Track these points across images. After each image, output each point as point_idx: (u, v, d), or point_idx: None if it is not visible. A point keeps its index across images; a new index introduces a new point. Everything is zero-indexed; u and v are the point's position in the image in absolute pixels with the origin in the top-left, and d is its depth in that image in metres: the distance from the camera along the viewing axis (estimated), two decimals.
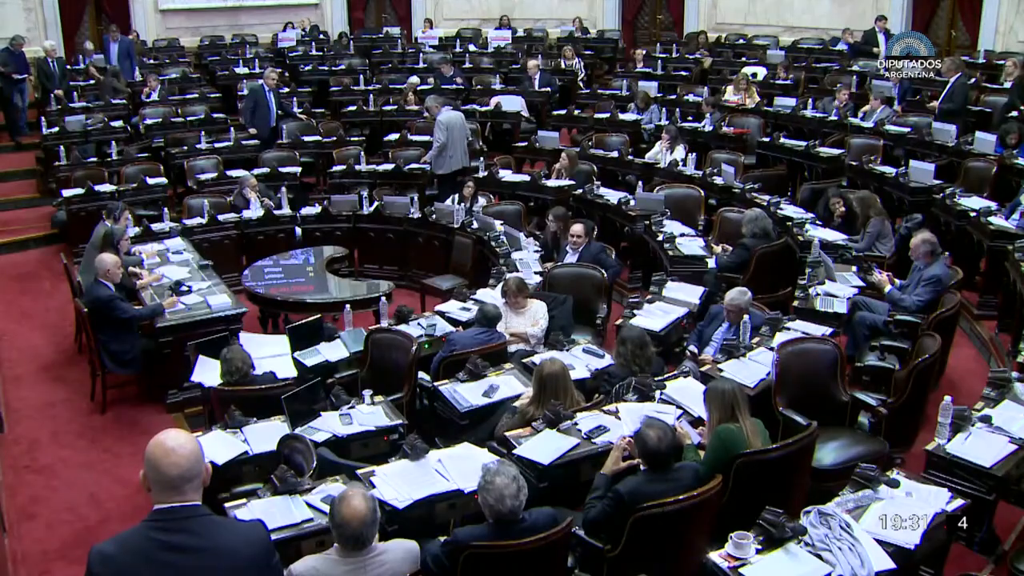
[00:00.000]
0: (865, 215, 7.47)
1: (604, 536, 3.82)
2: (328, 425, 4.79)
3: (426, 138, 10.18)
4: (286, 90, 12.27)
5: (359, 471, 4.25)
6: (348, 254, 8.51)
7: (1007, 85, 10.62)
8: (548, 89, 12.60)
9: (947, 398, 4.51)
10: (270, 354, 5.82)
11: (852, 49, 13.31)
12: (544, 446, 4.41)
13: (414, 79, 12.77)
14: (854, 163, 9.00)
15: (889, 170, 8.65)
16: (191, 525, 2.42)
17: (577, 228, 7.30)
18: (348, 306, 6.49)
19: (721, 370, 5.24)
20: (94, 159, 10.27)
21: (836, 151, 9.44)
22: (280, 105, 11.07)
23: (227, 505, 4.04)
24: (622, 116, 11.21)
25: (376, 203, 8.86)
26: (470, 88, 12.92)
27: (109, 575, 2.40)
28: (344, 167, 9.97)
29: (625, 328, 5.62)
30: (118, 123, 11.24)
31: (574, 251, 7.24)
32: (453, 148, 9.53)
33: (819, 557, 3.50)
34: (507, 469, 3.55)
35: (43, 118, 10.99)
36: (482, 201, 9.08)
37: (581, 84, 13.50)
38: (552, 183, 9.17)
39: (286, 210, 8.82)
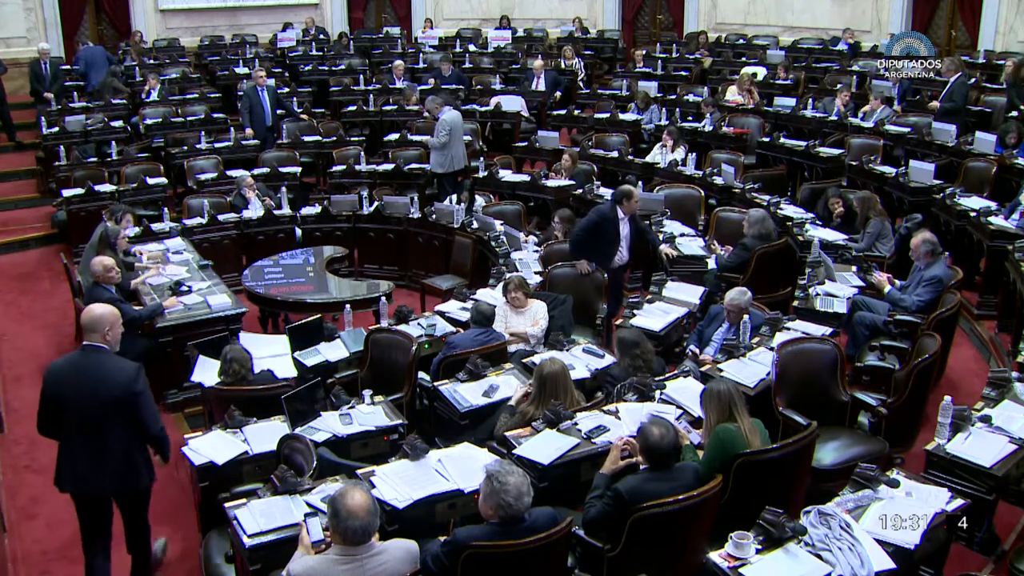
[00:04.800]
0: (865, 215, 7.47)
1: (604, 536, 3.82)
2: (328, 425, 4.79)
3: (426, 138, 10.17)
4: (286, 90, 12.27)
5: (359, 471, 4.25)
6: (348, 254, 8.50)
7: (1005, 85, 10.62)
8: (552, 89, 12.61)
9: (947, 398, 4.51)
10: (270, 354, 5.81)
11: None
12: (544, 446, 4.41)
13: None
14: (854, 163, 9.00)
15: (889, 170, 8.65)
16: (92, 353, 4.24)
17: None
18: (348, 306, 6.49)
19: (721, 370, 5.24)
20: (94, 159, 10.25)
21: (836, 151, 9.45)
22: (279, 103, 11.07)
23: (227, 505, 4.04)
24: (622, 116, 11.22)
25: (376, 203, 8.85)
26: (469, 88, 12.92)
27: (52, 379, 4.25)
28: (344, 167, 9.97)
29: (627, 330, 5.61)
30: (118, 123, 11.24)
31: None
32: (455, 148, 9.54)
33: (819, 557, 3.50)
34: (513, 468, 3.56)
35: (43, 118, 10.99)
36: (481, 201, 9.06)
37: (581, 84, 13.51)
38: (552, 183, 9.17)
39: (286, 210, 8.81)
